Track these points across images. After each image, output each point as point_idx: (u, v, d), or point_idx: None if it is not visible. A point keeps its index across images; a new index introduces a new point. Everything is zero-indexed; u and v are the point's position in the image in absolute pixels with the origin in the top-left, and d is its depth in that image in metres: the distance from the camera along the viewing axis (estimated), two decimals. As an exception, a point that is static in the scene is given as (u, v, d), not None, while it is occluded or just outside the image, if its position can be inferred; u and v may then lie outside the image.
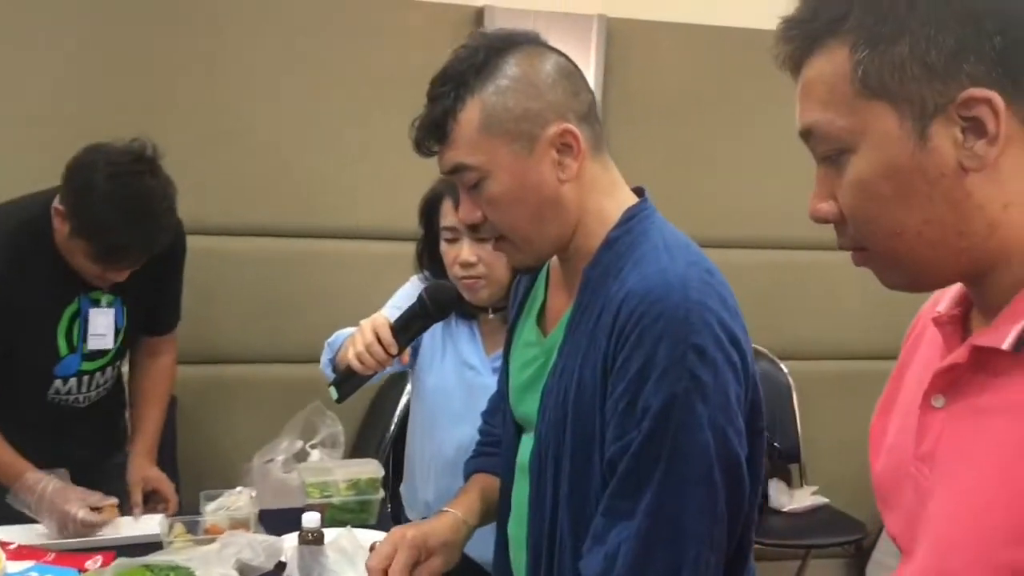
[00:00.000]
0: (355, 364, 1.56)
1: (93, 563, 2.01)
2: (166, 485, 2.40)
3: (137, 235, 2.08)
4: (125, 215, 2.04)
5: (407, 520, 2.06)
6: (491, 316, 1.87)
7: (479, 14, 3.24)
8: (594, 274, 1.27)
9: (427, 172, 3.24)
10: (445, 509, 1.54)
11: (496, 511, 1.57)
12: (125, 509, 2.30)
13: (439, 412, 1.89)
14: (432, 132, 1.28)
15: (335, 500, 2.26)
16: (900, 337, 2.90)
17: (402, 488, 2.09)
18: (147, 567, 1.75)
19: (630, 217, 1.29)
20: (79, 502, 2.13)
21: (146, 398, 2.54)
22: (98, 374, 2.38)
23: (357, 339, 1.56)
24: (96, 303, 2.30)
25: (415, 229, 2.67)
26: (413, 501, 2.02)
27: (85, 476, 2.26)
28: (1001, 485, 0.79)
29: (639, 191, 1.36)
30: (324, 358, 1.86)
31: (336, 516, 2.22)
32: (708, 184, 3.44)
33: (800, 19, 0.87)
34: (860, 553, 3.45)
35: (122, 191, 2.05)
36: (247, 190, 3.20)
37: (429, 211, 1.89)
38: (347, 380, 1.61)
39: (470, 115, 1.24)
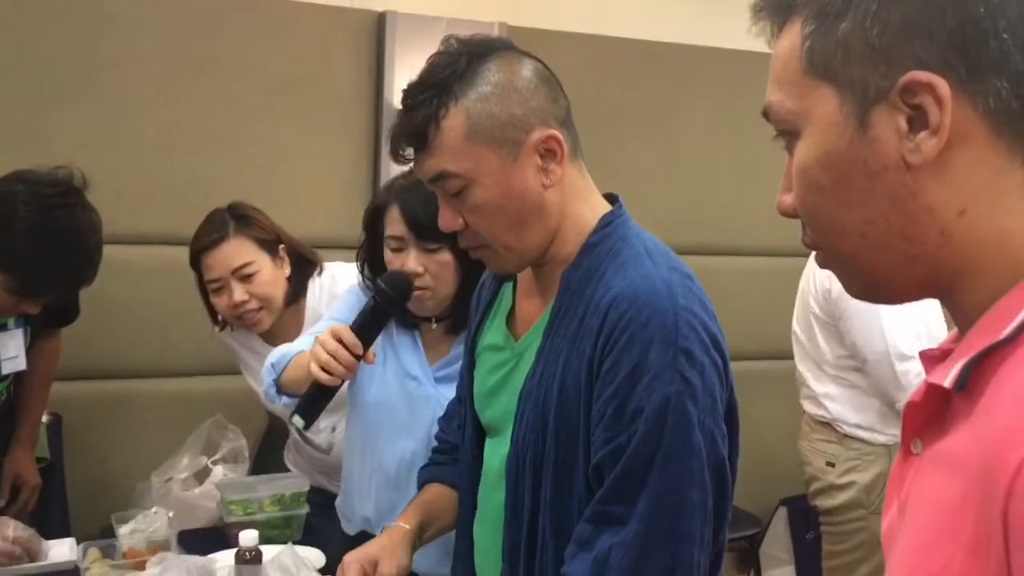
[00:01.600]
0: (322, 376, 1.50)
1: (5, 595, 1.89)
2: (27, 490, 2.40)
3: (64, 271, 1.99)
4: (52, 251, 1.94)
5: (344, 535, 2.00)
6: (434, 326, 1.84)
7: (380, 19, 3.20)
8: (574, 278, 1.28)
9: (323, 177, 3.24)
10: (396, 524, 1.54)
11: (446, 521, 1.56)
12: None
13: (381, 425, 1.85)
14: (412, 139, 1.26)
15: (259, 517, 2.20)
16: (788, 338, 2.99)
17: (338, 502, 2.03)
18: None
19: (608, 223, 1.30)
20: None
21: (34, 379, 2.44)
22: None
23: (319, 351, 1.51)
24: (3, 327, 2.16)
25: (310, 235, 2.63)
26: (351, 515, 1.96)
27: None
28: (931, 554, 0.70)
29: (612, 197, 1.37)
30: (268, 378, 1.78)
31: (261, 534, 2.14)
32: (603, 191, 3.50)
33: None
34: (753, 546, 3.58)
35: (50, 225, 1.94)
36: (133, 196, 3.06)
37: (373, 219, 1.85)
38: (313, 400, 1.55)
39: (454, 122, 1.23)
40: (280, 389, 1.78)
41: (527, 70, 1.27)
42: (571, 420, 1.23)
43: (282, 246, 2.31)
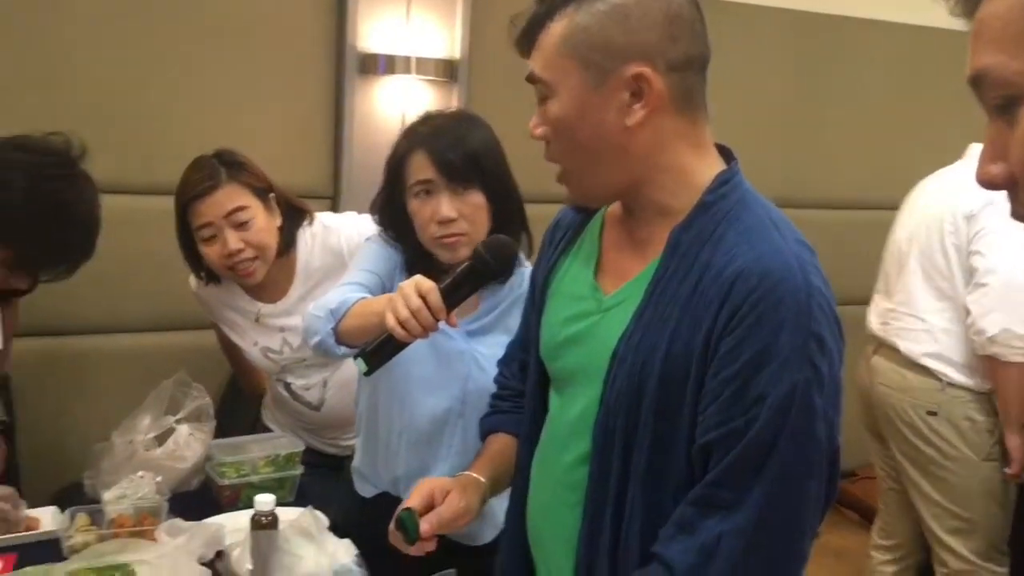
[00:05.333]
0: (399, 332, 1.41)
1: (-8, 568, 1.75)
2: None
3: (63, 248, 1.88)
4: (51, 226, 1.82)
5: (356, 496, 1.92)
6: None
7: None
8: (684, 238, 1.20)
9: (282, 124, 3.08)
10: (465, 473, 1.47)
11: (509, 478, 1.50)
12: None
13: (410, 382, 1.76)
14: (524, 35, 1.23)
15: (253, 479, 2.10)
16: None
17: (356, 463, 1.94)
18: (94, 569, 1.53)
19: (724, 182, 1.22)
20: None
21: None
22: None
23: (399, 305, 1.41)
24: None
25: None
26: (375, 478, 1.88)
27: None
28: None
29: (726, 152, 1.29)
30: (325, 326, 1.67)
31: (254, 496, 2.05)
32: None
33: None
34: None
35: (48, 199, 1.81)
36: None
37: (396, 166, 1.75)
38: (381, 350, 1.46)
39: (556, 29, 1.19)
40: (341, 338, 1.67)
41: (659, 3, 1.19)
42: (675, 393, 1.17)
43: (272, 195, 2.19)
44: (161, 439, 2.56)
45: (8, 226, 1.80)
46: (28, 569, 1.70)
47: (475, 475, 1.48)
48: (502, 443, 1.53)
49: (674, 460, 1.18)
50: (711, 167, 1.24)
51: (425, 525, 1.37)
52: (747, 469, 1.11)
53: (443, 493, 1.41)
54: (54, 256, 1.88)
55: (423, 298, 1.42)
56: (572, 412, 1.32)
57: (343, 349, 1.67)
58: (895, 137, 4.15)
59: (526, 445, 1.44)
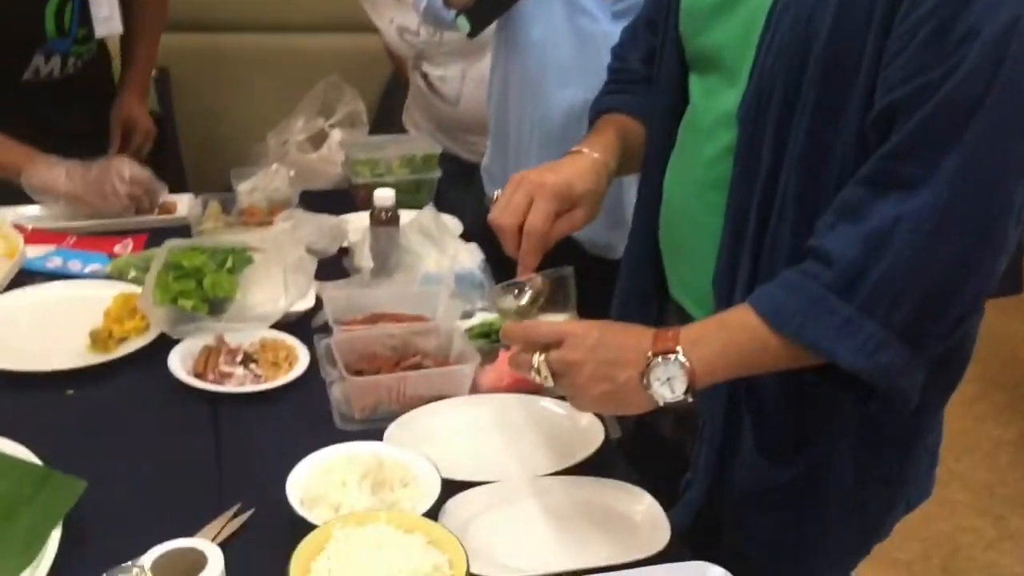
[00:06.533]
0: None
1: (122, 247, 1.74)
2: (139, 134, 2.16)
3: None
4: None
5: (489, 200, 1.77)
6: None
7: None
8: None
9: None
10: (580, 150, 1.22)
11: (636, 159, 1.27)
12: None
13: (546, 69, 1.55)
14: None
15: (388, 179, 1.97)
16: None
17: (485, 163, 1.79)
18: (200, 248, 1.46)
19: None
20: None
21: (137, 29, 2.16)
22: (86, 53, 2.04)
23: None
24: None
25: None
26: (505, 179, 1.72)
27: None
28: None
29: None
30: None
31: (390, 197, 1.94)
32: None
33: None
34: None
35: None
36: None
37: None
38: (484, 3, 1.24)
39: None
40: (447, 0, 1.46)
41: None
42: (850, 47, 0.92)
43: None
44: (316, 142, 2.50)
45: None
46: (151, 249, 1.67)
47: (594, 154, 1.21)
48: (623, 122, 1.27)
49: (841, 139, 0.95)
50: None
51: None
52: (941, 133, 0.87)
53: (568, 203, 1.17)
54: None
55: None
56: (720, 98, 1.09)
57: (452, 12, 1.46)
58: None
59: (657, 146, 1.22)
